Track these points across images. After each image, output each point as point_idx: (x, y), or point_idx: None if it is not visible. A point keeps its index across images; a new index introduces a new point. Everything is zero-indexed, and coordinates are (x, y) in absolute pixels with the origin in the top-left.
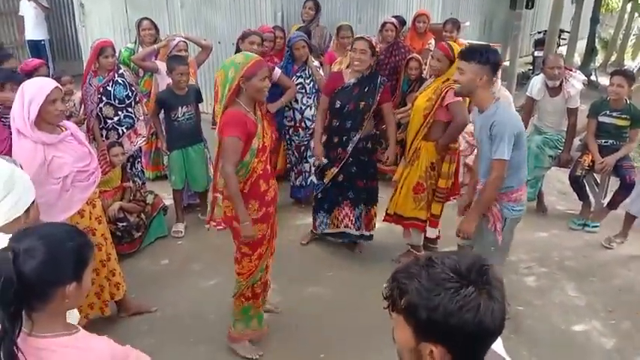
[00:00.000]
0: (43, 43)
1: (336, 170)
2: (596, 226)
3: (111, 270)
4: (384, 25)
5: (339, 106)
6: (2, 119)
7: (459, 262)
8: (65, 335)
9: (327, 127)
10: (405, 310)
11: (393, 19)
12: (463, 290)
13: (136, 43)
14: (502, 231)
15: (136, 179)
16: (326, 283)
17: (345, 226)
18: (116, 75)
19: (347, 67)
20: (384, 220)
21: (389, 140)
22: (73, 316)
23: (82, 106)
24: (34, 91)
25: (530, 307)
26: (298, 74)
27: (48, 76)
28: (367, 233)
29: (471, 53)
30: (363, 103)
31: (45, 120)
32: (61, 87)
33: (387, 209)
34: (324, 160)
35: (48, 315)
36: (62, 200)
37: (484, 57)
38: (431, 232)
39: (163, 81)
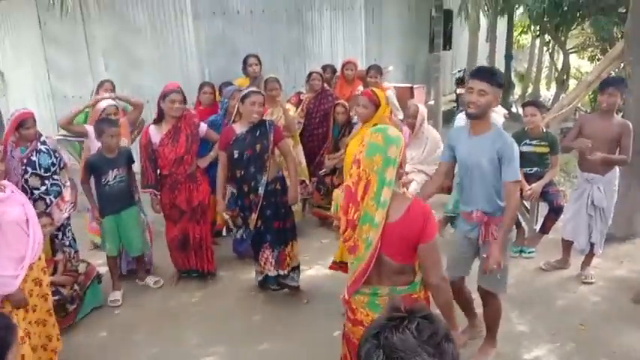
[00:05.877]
0: None
1: (255, 216)
2: (532, 252)
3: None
4: (310, 74)
5: (237, 155)
6: None
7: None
8: None
9: (234, 181)
10: None
11: (318, 69)
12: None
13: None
14: (505, 254)
15: (66, 249)
16: (276, 339)
17: (267, 270)
18: (39, 144)
19: (233, 121)
20: (330, 268)
21: (290, 178)
22: None
23: (5, 179)
24: None
25: (477, 337)
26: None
27: None
28: (282, 272)
29: (492, 75)
30: (258, 145)
31: None
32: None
33: (334, 257)
34: (226, 216)
35: None
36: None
37: (501, 79)
38: None
39: (94, 145)
